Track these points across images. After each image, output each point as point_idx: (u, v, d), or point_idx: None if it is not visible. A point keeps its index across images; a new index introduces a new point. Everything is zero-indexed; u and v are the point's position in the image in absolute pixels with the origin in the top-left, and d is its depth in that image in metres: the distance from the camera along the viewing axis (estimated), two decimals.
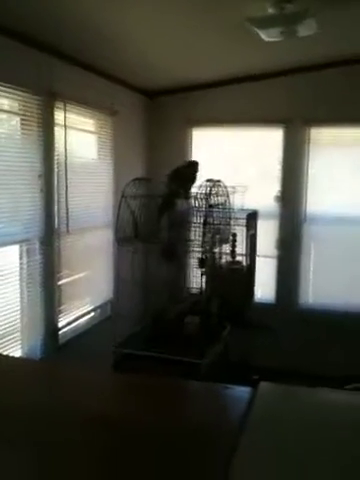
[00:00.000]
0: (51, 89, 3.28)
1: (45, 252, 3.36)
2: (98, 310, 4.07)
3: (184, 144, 4.91)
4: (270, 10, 2.84)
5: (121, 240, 2.90)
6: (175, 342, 3.00)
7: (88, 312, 3.93)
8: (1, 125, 3.10)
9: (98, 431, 1.34)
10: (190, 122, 4.85)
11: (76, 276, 3.70)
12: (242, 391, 1.83)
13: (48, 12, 2.72)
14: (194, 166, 3.29)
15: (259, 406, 1.48)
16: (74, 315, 3.73)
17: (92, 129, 4.08)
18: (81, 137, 3.89)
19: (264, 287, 4.76)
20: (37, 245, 3.31)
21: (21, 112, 3.16)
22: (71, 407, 1.47)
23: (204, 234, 2.80)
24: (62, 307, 3.59)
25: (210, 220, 2.89)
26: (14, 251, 3.22)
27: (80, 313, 3.82)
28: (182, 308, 3.17)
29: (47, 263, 3.38)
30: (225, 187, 3.18)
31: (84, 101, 3.70)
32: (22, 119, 3.17)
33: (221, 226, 3.18)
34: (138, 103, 4.79)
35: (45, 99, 3.25)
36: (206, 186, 2.94)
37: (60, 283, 3.54)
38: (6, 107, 3.08)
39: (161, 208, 3.25)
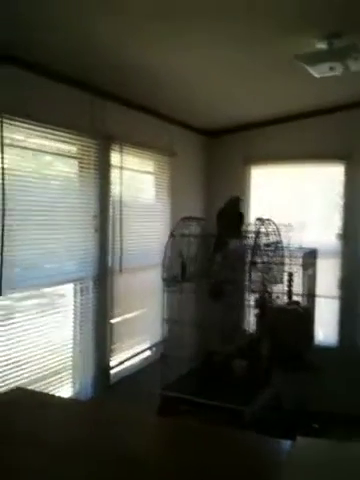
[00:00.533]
0: (107, 132, 3.41)
1: (98, 291, 3.43)
2: (151, 350, 4.05)
3: (242, 182, 4.90)
4: (318, 46, 2.82)
5: (167, 280, 2.91)
6: (222, 386, 2.91)
7: (140, 352, 3.92)
8: (60, 168, 3.25)
9: (135, 470, 1.42)
10: (248, 160, 4.85)
11: (128, 315, 3.72)
12: (278, 443, 1.75)
13: (102, 58, 2.86)
14: (236, 202, 3.25)
15: (292, 460, 1.45)
16: (126, 354, 3.74)
17: (150, 170, 4.18)
18: (138, 178, 4.00)
19: (325, 329, 4.55)
20: (91, 284, 3.39)
21: (79, 155, 3.30)
22: (111, 446, 1.56)
23: (250, 273, 2.74)
24: (114, 346, 3.62)
25: (258, 259, 2.83)
26: (69, 290, 3.31)
27: (132, 353, 3.82)
28: (232, 350, 3.09)
29: (100, 301, 3.44)
30: (276, 225, 3.11)
31: (141, 143, 3.81)
32: (79, 162, 3.31)
33: (273, 265, 3.10)
34: (196, 142, 4.87)
35: (101, 142, 3.38)
36: (255, 225, 2.90)
37: (113, 322, 3.58)
38: (64, 151, 3.23)
39: (214, 247, 3.23)
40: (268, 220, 3.04)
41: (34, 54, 2.71)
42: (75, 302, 3.33)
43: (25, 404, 1.99)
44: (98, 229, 3.35)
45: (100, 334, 3.48)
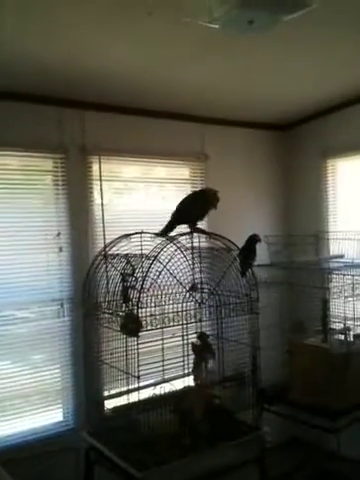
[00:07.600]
0: (82, 144, 3.21)
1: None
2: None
3: (319, 179, 3.99)
4: None
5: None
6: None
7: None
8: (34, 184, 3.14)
9: None
10: (326, 153, 3.90)
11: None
12: None
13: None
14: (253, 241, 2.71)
15: None
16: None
17: (170, 177, 3.70)
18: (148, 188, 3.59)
19: None
20: (67, 306, 3.17)
21: (55, 170, 3.15)
22: None
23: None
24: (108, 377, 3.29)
25: None
26: (46, 312, 3.15)
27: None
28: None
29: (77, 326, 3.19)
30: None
31: (144, 150, 3.44)
32: (53, 177, 3.16)
33: None
34: (252, 139, 4.12)
35: (74, 155, 3.18)
36: None
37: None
38: (40, 167, 3.14)
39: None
40: None
41: None
42: (54, 324, 3.17)
43: None
44: (62, 248, 3.11)
45: (90, 362, 3.21)
